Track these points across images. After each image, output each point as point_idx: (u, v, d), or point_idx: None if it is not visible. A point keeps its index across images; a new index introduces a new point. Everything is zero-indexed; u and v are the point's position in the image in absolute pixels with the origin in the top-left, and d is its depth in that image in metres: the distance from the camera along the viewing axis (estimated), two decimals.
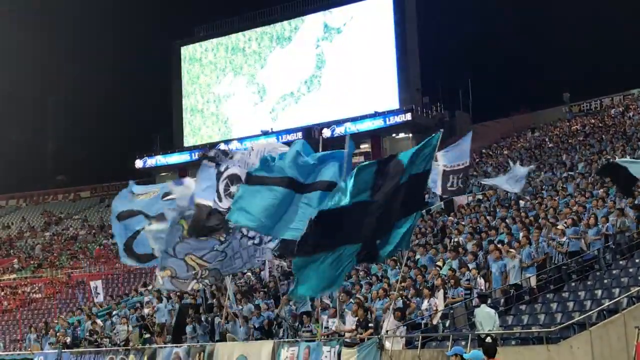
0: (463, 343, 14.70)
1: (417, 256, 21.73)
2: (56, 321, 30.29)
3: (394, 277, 19.94)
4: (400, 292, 18.62)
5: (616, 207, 19.06)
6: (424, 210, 30.82)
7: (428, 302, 17.37)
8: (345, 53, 59.22)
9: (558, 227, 18.36)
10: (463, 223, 24.36)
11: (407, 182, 10.31)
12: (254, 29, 64.64)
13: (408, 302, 18.01)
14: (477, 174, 35.92)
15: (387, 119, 55.54)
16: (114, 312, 27.61)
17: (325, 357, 16.75)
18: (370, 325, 17.05)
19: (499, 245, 18.40)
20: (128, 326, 24.52)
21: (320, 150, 14.03)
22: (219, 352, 19.80)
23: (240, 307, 21.74)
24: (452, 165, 21.02)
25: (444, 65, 64.75)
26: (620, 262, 17.71)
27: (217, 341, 20.76)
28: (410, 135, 55.99)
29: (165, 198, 15.33)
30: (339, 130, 56.45)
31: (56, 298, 43.21)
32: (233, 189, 13.43)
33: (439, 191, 21.37)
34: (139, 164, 65.08)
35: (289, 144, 55.62)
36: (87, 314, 28.19)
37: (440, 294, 17.65)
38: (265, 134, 60.59)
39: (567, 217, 19.37)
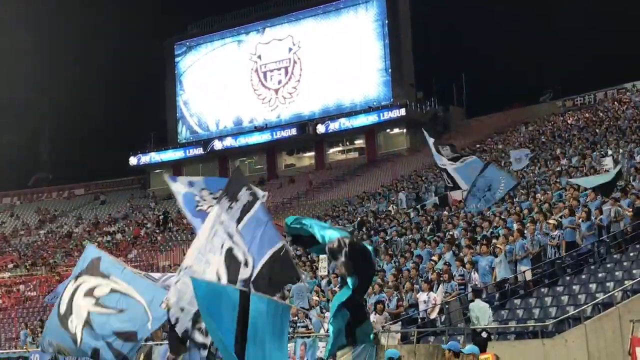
0: (459, 338, 14.72)
1: (412, 250, 21.76)
2: None
3: (389, 272, 19.95)
4: (394, 283, 18.63)
5: (611, 196, 19.02)
6: (419, 205, 30.83)
7: (427, 295, 17.33)
8: (338, 49, 59.15)
9: (549, 221, 18.32)
10: (457, 217, 24.31)
11: None
12: (248, 25, 64.53)
13: (400, 301, 17.93)
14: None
15: (381, 114, 55.60)
16: None
17: (321, 352, 16.73)
18: None
19: (493, 240, 18.40)
20: None
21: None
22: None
23: None
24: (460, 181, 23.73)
25: (437, 60, 64.77)
26: (615, 256, 17.71)
27: None
28: (405, 130, 56.03)
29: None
30: (333, 126, 56.56)
31: None
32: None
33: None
34: (133, 161, 64.88)
35: (283, 139, 54.91)
36: None
37: (440, 288, 17.62)
38: (260, 129, 60.58)
39: (562, 211, 19.32)
